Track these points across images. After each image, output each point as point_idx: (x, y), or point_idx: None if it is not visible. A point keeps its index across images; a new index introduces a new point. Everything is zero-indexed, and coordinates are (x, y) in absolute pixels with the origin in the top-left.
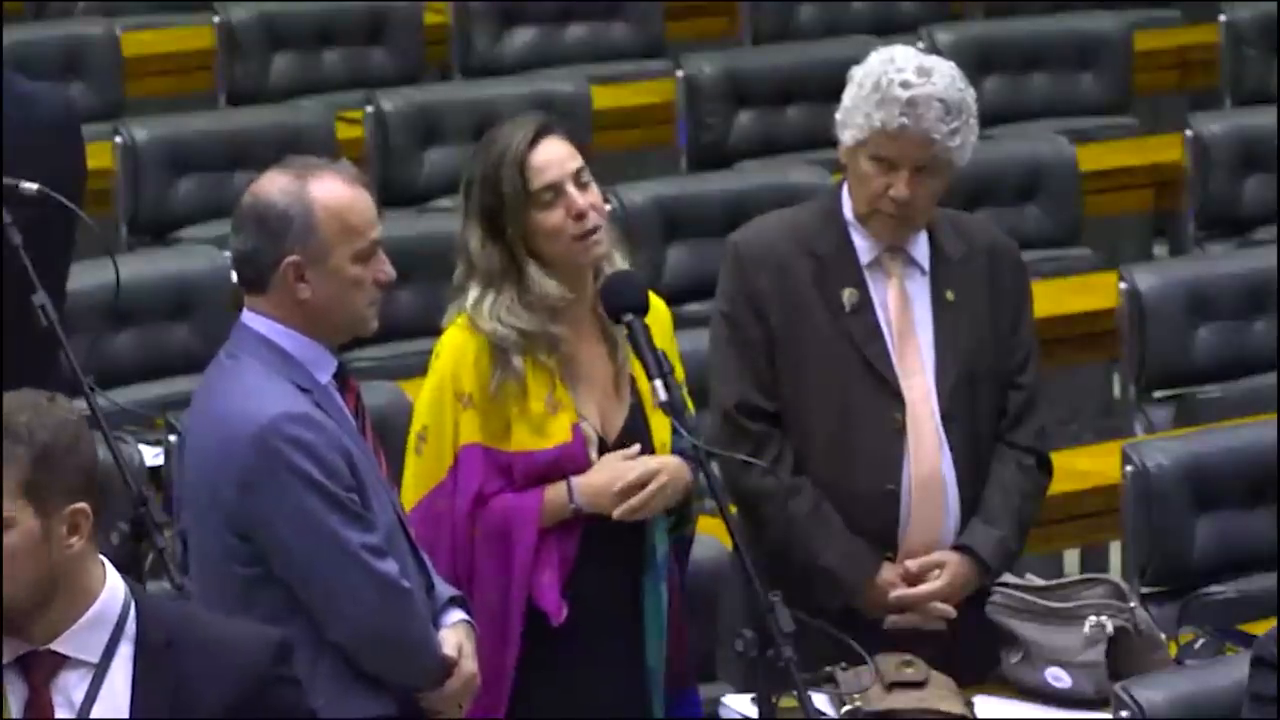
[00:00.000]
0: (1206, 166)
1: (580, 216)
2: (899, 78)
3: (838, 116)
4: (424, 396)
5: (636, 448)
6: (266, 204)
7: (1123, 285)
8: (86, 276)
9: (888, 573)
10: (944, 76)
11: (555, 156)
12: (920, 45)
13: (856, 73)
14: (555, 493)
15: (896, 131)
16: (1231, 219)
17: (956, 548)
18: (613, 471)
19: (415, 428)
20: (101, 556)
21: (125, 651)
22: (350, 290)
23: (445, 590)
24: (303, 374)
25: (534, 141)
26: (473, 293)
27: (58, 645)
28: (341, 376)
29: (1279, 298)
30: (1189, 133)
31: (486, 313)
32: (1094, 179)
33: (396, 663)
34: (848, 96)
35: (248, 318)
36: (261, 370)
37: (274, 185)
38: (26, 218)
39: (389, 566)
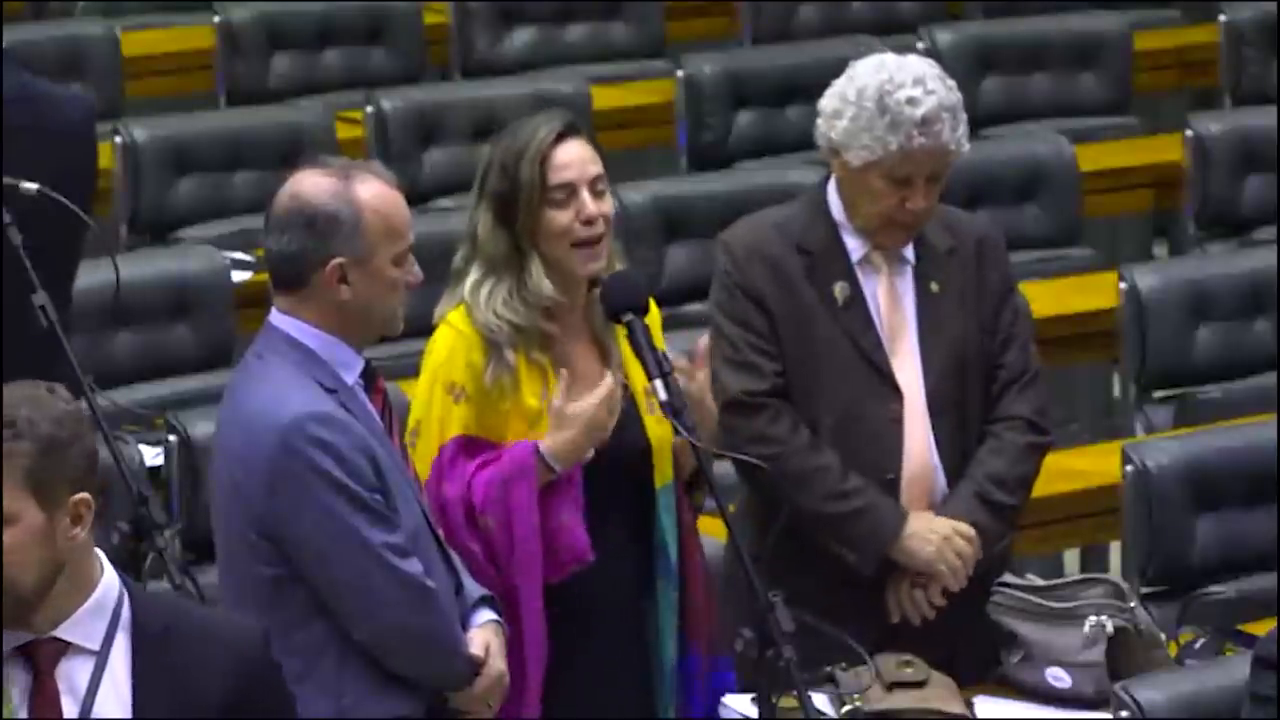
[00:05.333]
0: (1206, 166)
1: (589, 222)
2: (903, 95)
3: (834, 136)
4: (418, 392)
5: (564, 373)
6: (314, 205)
7: (1122, 285)
8: (86, 276)
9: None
10: (937, 81)
11: (578, 157)
12: (920, 45)
13: (848, 91)
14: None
15: (915, 150)
16: (1231, 219)
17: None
18: (579, 423)
19: (410, 424)
20: (96, 549)
21: (123, 640)
22: (388, 292)
23: (475, 590)
24: (328, 374)
25: (560, 138)
26: (473, 275)
27: (61, 632)
28: (369, 376)
29: (1279, 298)
30: (1189, 133)
31: (483, 301)
32: (1094, 179)
33: (422, 662)
34: (847, 118)
35: (276, 318)
36: (288, 370)
37: (318, 187)
38: (30, 219)
39: (412, 566)
